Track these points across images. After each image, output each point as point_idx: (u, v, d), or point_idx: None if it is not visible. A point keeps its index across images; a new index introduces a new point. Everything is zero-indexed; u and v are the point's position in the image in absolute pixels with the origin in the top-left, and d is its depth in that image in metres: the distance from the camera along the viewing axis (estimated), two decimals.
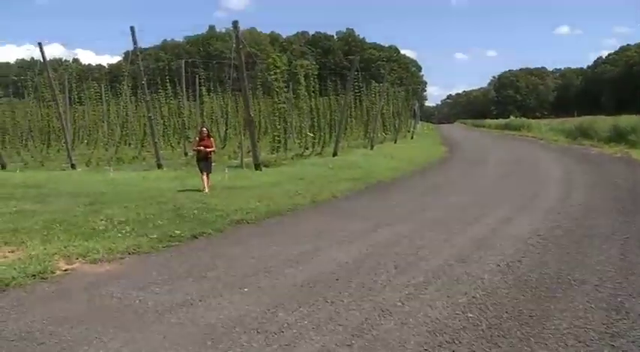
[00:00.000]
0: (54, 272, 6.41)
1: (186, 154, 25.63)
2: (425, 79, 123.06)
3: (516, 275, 5.93)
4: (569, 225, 8.53)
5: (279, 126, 21.19)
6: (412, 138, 47.02)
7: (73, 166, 21.48)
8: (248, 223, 9.36)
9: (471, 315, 4.75)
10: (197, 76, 34.58)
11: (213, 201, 11.30)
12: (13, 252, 7.50)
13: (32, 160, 25.63)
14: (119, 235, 8.25)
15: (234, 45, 18.25)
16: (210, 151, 13.45)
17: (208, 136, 13.57)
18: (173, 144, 26.66)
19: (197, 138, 13.92)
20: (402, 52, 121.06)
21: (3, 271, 6.26)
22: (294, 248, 7.40)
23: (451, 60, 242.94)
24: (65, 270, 6.55)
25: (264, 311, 4.93)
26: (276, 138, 21.11)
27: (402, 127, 47.43)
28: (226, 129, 27.03)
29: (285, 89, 21.33)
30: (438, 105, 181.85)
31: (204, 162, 13.28)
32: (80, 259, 6.97)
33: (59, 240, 7.92)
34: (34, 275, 6.20)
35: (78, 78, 38.04)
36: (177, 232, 8.34)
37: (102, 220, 9.39)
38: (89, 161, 22.85)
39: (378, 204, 11.21)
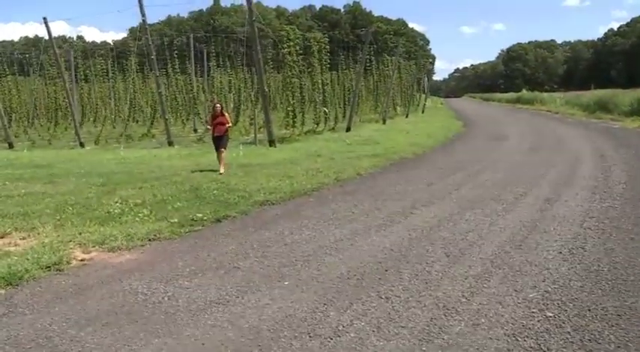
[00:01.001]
0: (70, 263, 5.83)
1: (195, 131, 25.00)
2: (432, 52, 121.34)
3: (584, 264, 5.29)
4: (623, 206, 7.86)
5: (292, 101, 20.42)
6: (423, 112, 46.17)
7: (81, 144, 20.97)
8: (273, 204, 8.74)
9: (549, 314, 4.13)
10: (205, 50, 33.81)
11: (232, 181, 10.71)
12: (24, 239, 6.94)
13: (39, 139, 25.07)
14: (137, 219, 7.66)
15: (246, 17, 17.43)
16: (227, 128, 12.68)
17: (222, 112, 12.76)
18: (184, 121, 25.94)
19: (210, 115, 13.21)
20: (410, 25, 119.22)
21: (16, 262, 5.68)
22: (329, 232, 6.78)
23: (458, 33, 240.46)
24: (82, 260, 5.96)
25: (312, 309, 4.32)
26: (290, 113, 20.35)
27: (413, 101, 46.57)
28: (239, 105, 26.24)
29: (299, 62, 20.45)
30: (445, 79, 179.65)
31: (219, 139, 12.51)
32: (97, 247, 6.38)
33: (73, 226, 7.35)
34: (48, 267, 5.62)
35: (83, 55, 37.34)
36: (199, 215, 7.73)
37: (117, 202, 8.82)
38: (98, 139, 22.28)
39: (407, 182, 10.55)
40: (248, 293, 4.72)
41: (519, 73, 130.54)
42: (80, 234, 6.91)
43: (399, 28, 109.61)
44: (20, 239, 6.92)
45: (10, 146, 21.94)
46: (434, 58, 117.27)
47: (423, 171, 11.98)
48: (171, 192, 9.58)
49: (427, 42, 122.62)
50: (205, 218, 7.66)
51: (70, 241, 6.61)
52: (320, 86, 23.89)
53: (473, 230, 6.67)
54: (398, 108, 40.96)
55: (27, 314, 4.47)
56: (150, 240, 6.70)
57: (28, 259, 5.82)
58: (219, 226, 7.41)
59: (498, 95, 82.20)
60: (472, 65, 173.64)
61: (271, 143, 17.95)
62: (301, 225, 7.23)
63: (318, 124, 24.29)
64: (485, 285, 4.77)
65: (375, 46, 35.95)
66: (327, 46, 24.15)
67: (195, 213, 7.90)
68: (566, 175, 10.82)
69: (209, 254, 6.00)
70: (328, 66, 25.16)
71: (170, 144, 18.78)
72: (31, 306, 4.64)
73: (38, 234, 7.08)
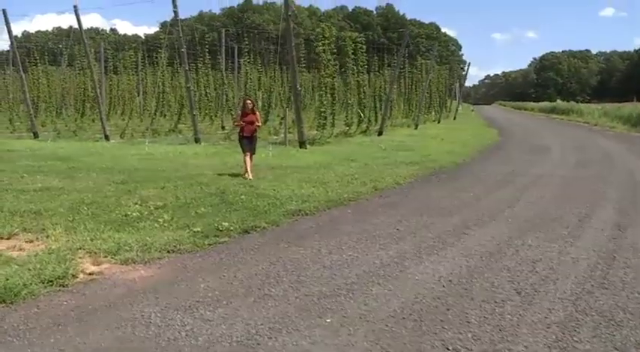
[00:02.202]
0: (76, 277, 5.04)
1: (223, 128, 24.34)
2: (465, 58, 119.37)
3: None
4: None
5: (325, 102, 19.55)
6: (455, 119, 45.04)
7: (106, 137, 20.40)
8: (306, 215, 7.87)
9: None
10: (236, 47, 33.16)
11: (261, 185, 9.90)
12: (31, 242, 6.21)
13: (66, 129, 24.61)
14: (156, 225, 6.86)
15: (282, 11, 16.64)
16: (256, 128, 11.44)
17: (253, 110, 11.45)
18: (213, 117, 25.23)
19: (239, 112, 12.08)
20: (442, 30, 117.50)
21: (15, 273, 4.91)
22: (373, 253, 5.89)
23: (489, 40, 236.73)
24: (90, 274, 5.17)
25: None
26: (322, 114, 19.49)
27: (445, 107, 45.47)
28: (269, 103, 25.51)
29: (333, 61, 19.59)
30: (474, 85, 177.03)
31: (248, 140, 11.19)
32: (109, 258, 5.59)
33: (86, 229, 6.57)
34: (51, 281, 4.83)
35: (115, 47, 37.02)
36: (225, 225, 6.90)
37: (136, 204, 8.06)
38: (123, 132, 21.68)
39: (451, 195, 9.61)
40: (283, 333, 3.85)
41: (552, 82, 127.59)
42: (92, 240, 6.14)
43: (432, 32, 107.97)
44: (26, 241, 6.19)
45: (35, 136, 21.49)
46: (466, 63, 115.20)
47: (467, 184, 11.01)
48: (195, 195, 8.80)
49: (459, 47, 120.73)
50: (232, 228, 6.83)
51: (80, 248, 5.84)
52: (355, 87, 22.99)
53: (540, 259, 5.71)
54: (430, 113, 39.94)
55: (14, 344, 3.68)
56: (169, 251, 5.89)
57: (29, 270, 5.05)
58: (247, 238, 6.56)
59: (531, 104, 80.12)
60: (503, 72, 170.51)
61: (302, 144, 17.16)
62: (340, 242, 6.34)
63: (350, 127, 23.43)
64: (575, 338, 3.83)
65: (407, 49, 34.94)
66: (364, 46, 23.21)
67: (220, 221, 7.07)
68: (629, 195, 9.76)
69: (235, 275, 5.15)
70: (366, 66, 24.20)
71: (197, 141, 18.08)
72: (22, 334, 3.84)
73: (47, 236, 6.34)
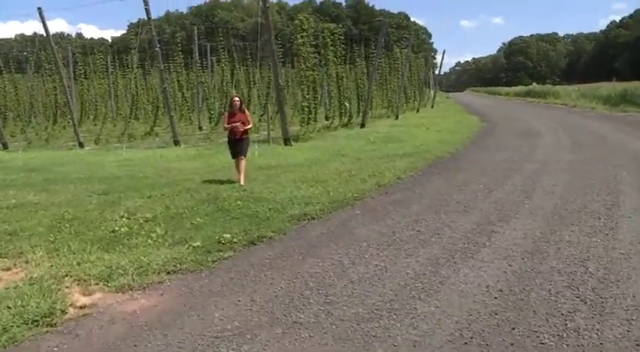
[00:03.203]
0: (65, 312, 4.27)
1: (201, 128, 23.47)
2: (435, 46, 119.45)
3: None
4: None
5: (308, 96, 18.81)
6: (432, 107, 44.66)
7: (80, 144, 19.42)
8: (313, 219, 7.16)
9: None
10: (208, 45, 32.18)
11: (255, 188, 9.16)
12: (8, 269, 5.41)
13: (36, 138, 23.47)
14: (149, 242, 6.09)
15: (260, 3, 15.84)
16: (247, 129, 10.16)
17: (242, 109, 10.16)
18: (192, 118, 24.29)
19: (227, 113, 10.56)
20: (412, 19, 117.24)
21: None
22: (402, 261, 5.22)
23: (457, 27, 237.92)
24: (81, 307, 4.40)
25: None
26: (306, 108, 18.75)
27: (422, 96, 45.06)
28: (248, 101, 24.69)
29: (313, 54, 18.86)
30: (445, 73, 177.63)
31: (237, 143, 9.98)
32: (101, 285, 4.83)
33: (70, 251, 5.79)
34: (35, 321, 4.06)
35: (82, 52, 35.71)
36: (227, 236, 6.16)
37: (123, 217, 7.28)
38: (98, 138, 20.67)
39: (460, 188, 8.99)
40: None
41: (522, 66, 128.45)
42: (79, 264, 5.36)
43: (401, 21, 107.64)
44: (2, 269, 5.38)
45: (5, 146, 20.34)
46: (437, 51, 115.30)
47: (471, 174, 10.39)
48: (186, 203, 8.01)
49: (429, 35, 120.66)
50: (235, 240, 6.09)
51: (67, 275, 5.07)
52: (335, 80, 22.29)
53: (588, 258, 5.10)
54: (409, 103, 39.44)
55: None
56: (169, 273, 5.14)
57: (9, 308, 4.28)
58: (254, 251, 5.82)
59: (505, 89, 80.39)
60: (474, 58, 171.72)
61: (287, 141, 16.43)
62: (361, 250, 5.65)
63: (331, 120, 22.78)
64: None
65: (385, 39, 34.35)
66: (342, 37, 22.54)
67: (221, 232, 6.33)
68: None
69: (253, 298, 4.43)
70: (343, 58, 23.55)
71: (176, 143, 17.21)
72: None
73: (26, 262, 5.55)
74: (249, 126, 10.24)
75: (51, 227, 6.96)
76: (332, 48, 21.97)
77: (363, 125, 23.34)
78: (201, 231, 6.44)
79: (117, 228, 6.70)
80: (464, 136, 18.41)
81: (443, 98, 67.15)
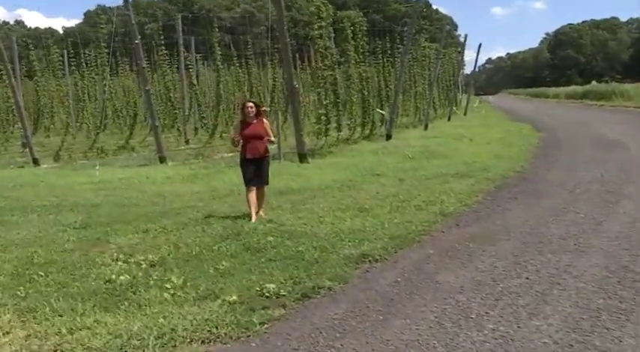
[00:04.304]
0: None
1: (187, 142, 23.04)
2: (462, 39, 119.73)
3: None
4: None
5: (326, 102, 18.38)
6: (465, 114, 44.43)
7: (35, 161, 18.85)
8: (376, 261, 6.61)
9: None
10: (192, 38, 31.81)
11: (283, 218, 8.78)
12: None
13: None
14: (165, 296, 5.49)
15: None
16: (266, 145, 9.13)
17: (259, 116, 9.05)
18: (180, 129, 23.81)
19: (237, 122, 9.57)
20: (434, 7, 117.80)
21: None
22: (529, 326, 4.62)
23: (487, 16, 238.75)
24: None
25: None
26: (324, 117, 18.31)
27: (455, 100, 44.86)
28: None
29: (332, 49, 18.55)
30: (473, 72, 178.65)
31: (255, 165, 8.94)
32: None
33: (54, 312, 5.23)
34: None
35: (25, 44, 35.22)
36: (271, 287, 5.57)
37: (117, 261, 6.79)
38: (57, 154, 20.17)
39: (556, 218, 8.45)
40: None
41: (572, 61, 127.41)
42: (71, 332, 4.78)
43: (422, 10, 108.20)
44: None
45: None
46: (463, 46, 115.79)
47: (560, 199, 9.88)
48: (200, 240, 7.49)
49: (455, 27, 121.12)
50: (282, 292, 5.51)
51: (57, 351, 4.47)
52: (357, 81, 21.89)
53: None
54: (437, 109, 39.20)
55: None
56: (204, 341, 4.55)
57: None
58: (313, 308, 5.23)
59: (553, 89, 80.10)
60: (508, 54, 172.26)
61: (302, 158, 15.96)
62: (461, 307, 5.07)
63: (352, 131, 22.42)
64: None
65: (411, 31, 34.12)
66: (364, 28, 22.26)
67: (260, 281, 5.76)
68: None
69: None
70: (368, 54, 23.23)
71: (162, 160, 16.72)
72: None
73: None
74: (270, 140, 9.27)
75: (17, 275, 6.37)
76: (353, 42, 21.64)
77: (389, 137, 22.99)
78: (233, 280, 5.87)
79: (113, 277, 6.11)
80: (523, 149, 18.01)
81: (475, 103, 67.13)
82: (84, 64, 28.05)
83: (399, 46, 28.79)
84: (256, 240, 7.39)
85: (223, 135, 23.98)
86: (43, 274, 6.33)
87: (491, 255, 6.67)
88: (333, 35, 18.80)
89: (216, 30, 24.25)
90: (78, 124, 27.94)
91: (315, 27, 18.07)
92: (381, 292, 5.60)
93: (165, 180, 13.45)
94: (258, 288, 5.58)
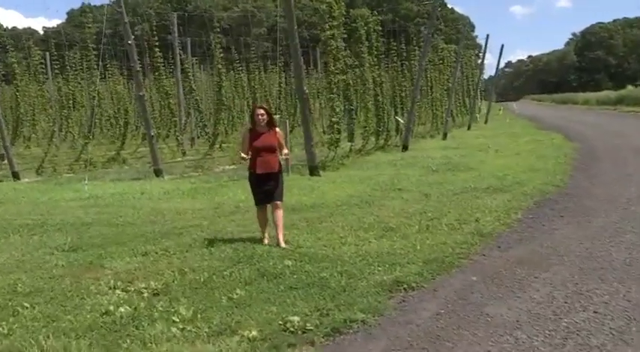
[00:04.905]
0: None
1: (184, 153, 22.86)
2: (480, 41, 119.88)
3: None
4: None
5: (338, 109, 18.19)
6: (486, 122, 44.36)
7: (14, 175, 18.63)
8: (412, 289, 6.31)
9: None
10: (189, 40, 31.75)
11: (301, 240, 8.55)
12: None
13: None
14: (174, 331, 5.18)
15: None
16: (278, 159, 8.54)
17: (271, 124, 8.53)
18: (179, 138, 23.68)
19: (245, 133, 9.00)
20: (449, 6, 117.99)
21: None
22: None
23: (506, 15, 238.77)
24: None
25: None
26: (336, 126, 18.11)
27: (475, 107, 44.79)
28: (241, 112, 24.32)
29: (345, 52, 18.41)
30: (494, 76, 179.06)
31: (266, 181, 8.42)
32: None
33: None
34: None
35: (2, 46, 35.24)
36: (295, 320, 5.28)
37: (115, 289, 6.55)
38: (41, 166, 19.99)
39: (612, 239, 8.20)
40: None
41: (601, 64, 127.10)
42: None
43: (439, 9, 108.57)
44: None
45: None
46: (480, 48, 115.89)
47: (613, 218, 9.65)
48: (207, 264, 7.26)
49: (472, 27, 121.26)
50: (309, 326, 5.20)
51: None
52: (372, 87, 21.75)
53: None
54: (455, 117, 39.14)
55: None
56: None
57: None
58: (346, 347, 4.93)
59: (582, 95, 79.88)
60: (530, 56, 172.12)
61: (313, 170, 15.76)
62: (521, 346, 4.77)
63: (366, 140, 22.24)
64: None
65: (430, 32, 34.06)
66: (380, 28, 22.19)
67: (282, 313, 5.47)
68: None
69: None
70: (382, 56, 23.13)
71: (158, 173, 16.53)
72: None
73: None
74: (284, 154, 8.69)
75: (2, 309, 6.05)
76: (367, 43, 21.53)
77: (405, 147, 22.90)
78: (250, 311, 5.58)
79: (111, 308, 5.82)
80: (560, 161, 17.82)
81: (495, 110, 67.06)
82: (68, 67, 27.89)
83: (415, 47, 28.77)
84: (272, 264, 7.13)
85: (223, 145, 23.87)
86: (28, 305, 6.02)
87: (546, 283, 6.39)
88: (344, 36, 18.55)
89: (217, 30, 24.05)
90: (62, 134, 27.79)
91: (327, 27, 17.88)
92: (424, 327, 5.30)
93: (163, 196, 13.30)
94: (280, 322, 5.30)
